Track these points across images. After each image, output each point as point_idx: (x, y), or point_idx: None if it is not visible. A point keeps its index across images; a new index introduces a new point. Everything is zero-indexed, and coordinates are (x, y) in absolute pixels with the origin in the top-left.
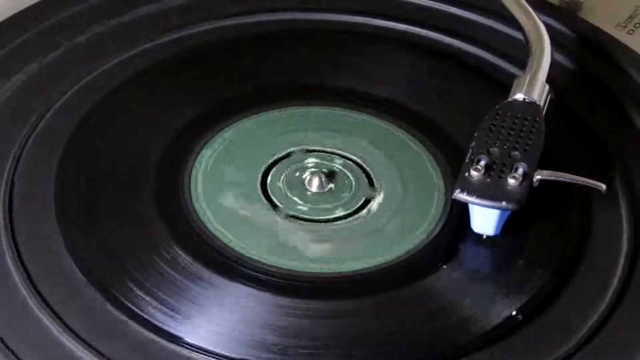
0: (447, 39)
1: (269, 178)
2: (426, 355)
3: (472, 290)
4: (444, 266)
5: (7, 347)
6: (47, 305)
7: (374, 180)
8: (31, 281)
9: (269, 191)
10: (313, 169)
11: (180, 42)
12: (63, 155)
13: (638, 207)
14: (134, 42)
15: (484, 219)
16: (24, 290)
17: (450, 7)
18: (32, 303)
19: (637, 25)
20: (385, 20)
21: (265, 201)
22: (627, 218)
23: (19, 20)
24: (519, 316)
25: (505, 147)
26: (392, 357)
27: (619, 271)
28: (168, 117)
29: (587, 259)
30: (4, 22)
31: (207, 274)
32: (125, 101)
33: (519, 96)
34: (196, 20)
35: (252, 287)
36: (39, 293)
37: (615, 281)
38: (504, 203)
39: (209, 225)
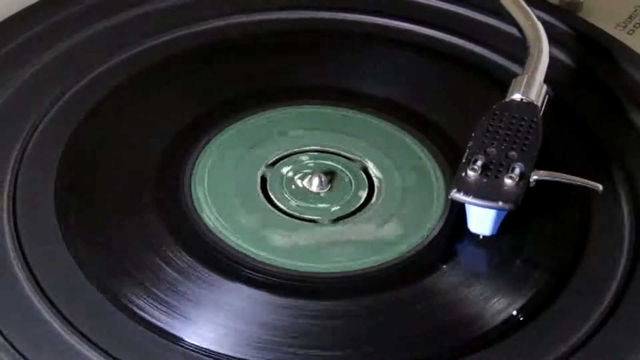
0: (447, 39)
1: (269, 178)
2: (426, 355)
3: (472, 291)
4: (444, 266)
5: (11, 344)
6: (48, 303)
7: (374, 180)
8: (33, 281)
9: (269, 191)
10: (313, 169)
11: (179, 42)
12: (63, 155)
13: (637, 206)
14: (132, 43)
15: (481, 219)
16: (26, 289)
17: (451, 6)
18: (34, 302)
19: (637, 25)
20: (385, 19)
21: (265, 201)
22: (627, 217)
23: (18, 20)
24: (518, 316)
25: (503, 147)
26: (392, 357)
27: (618, 271)
28: (168, 117)
29: (587, 259)
30: (3, 22)
31: (207, 273)
32: (125, 101)
33: (517, 96)
34: (195, 20)
35: (252, 287)
36: (40, 292)
37: (615, 282)
38: (500, 203)
39: (209, 225)
